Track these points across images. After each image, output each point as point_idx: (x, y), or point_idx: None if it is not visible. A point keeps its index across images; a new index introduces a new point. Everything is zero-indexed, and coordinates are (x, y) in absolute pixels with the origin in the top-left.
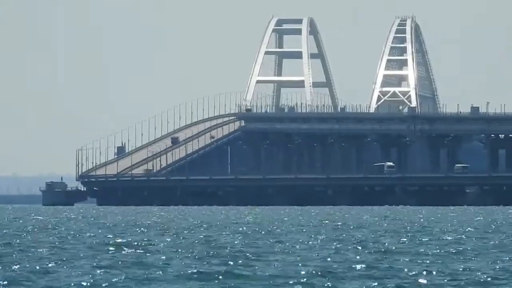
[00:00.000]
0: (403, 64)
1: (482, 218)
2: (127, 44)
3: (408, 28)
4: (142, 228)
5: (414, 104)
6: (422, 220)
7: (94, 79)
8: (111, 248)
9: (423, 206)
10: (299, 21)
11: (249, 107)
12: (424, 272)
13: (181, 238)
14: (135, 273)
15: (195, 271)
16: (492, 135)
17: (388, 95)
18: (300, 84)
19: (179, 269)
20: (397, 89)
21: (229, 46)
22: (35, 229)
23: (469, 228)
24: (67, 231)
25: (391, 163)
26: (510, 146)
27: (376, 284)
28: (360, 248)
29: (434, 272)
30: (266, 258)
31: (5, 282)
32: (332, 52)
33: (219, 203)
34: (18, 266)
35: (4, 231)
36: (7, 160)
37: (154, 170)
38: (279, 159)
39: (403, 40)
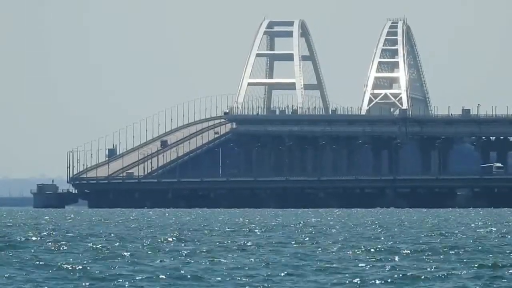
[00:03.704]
0: (394, 66)
1: None
2: (119, 47)
3: (399, 30)
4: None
5: (405, 106)
6: None
7: (86, 82)
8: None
9: (414, 208)
10: (291, 23)
11: (227, 110)
12: None
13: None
14: None
15: None
16: (483, 137)
17: (380, 97)
18: (291, 86)
19: None
20: (388, 91)
21: (220, 48)
22: None
23: None
24: None
25: (499, 164)
26: (501, 148)
27: None
28: None
29: None
30: None
31: None
32: (323, 54)
33: (211, 205)
34: None
35: None
36: None
37: (144, 173)
38: (270, 161)
39: (395, 42)
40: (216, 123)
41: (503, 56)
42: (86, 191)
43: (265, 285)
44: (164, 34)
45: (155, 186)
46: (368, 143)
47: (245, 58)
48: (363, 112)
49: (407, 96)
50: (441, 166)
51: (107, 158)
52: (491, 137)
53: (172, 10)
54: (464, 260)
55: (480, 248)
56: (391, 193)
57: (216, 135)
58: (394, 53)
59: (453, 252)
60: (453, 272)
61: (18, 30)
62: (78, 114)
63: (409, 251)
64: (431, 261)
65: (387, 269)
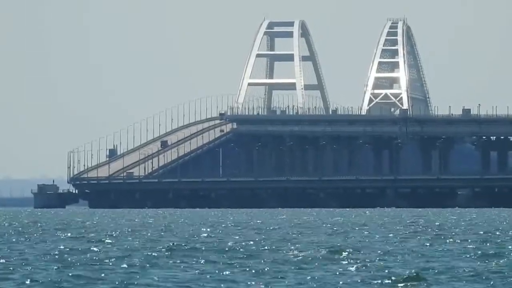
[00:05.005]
0: (394, 66)
1: None
2: (119, 47)
3: (399, 31)
4: None
5: (405, 106)
6: None
7: (86, 82)
8: None
9: (414, 208)
10: (291, 24)
11: (222, 112)
12: None
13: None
14: None
15: None
16: (484, 137)
17: (380, 97)
18: (291, 86)
19: None
20: (388, 91)
21: (220, 48)
22: None
23: None
24: None
25: None
26: (502, 148)
27: None
28: None
29: None
30: None
31: None
32: (323, 54)
33: (212, 205)
34: None
35: None
36: None
37: (145, 173)
38: (271, 161)
39: (395, 42)
40: (216, 124)
41: (503, 56)
42: (86, 191)
43: None
44: (164, 34)
45: (155, 186)
46: (368, 143)
47: (245, 59)
48: (364, 112)
49: (408, 96)
50: (442, 166)
51: (107, 158)
52: (491, 137)
53: (172, 10)
54: None
55: None
56: (391, 193)
57: (222, 133)
58: (394, 53)
59: None
60: None
61: (18, 30)
62: (79, 114)
63: None
64: None
65: None
